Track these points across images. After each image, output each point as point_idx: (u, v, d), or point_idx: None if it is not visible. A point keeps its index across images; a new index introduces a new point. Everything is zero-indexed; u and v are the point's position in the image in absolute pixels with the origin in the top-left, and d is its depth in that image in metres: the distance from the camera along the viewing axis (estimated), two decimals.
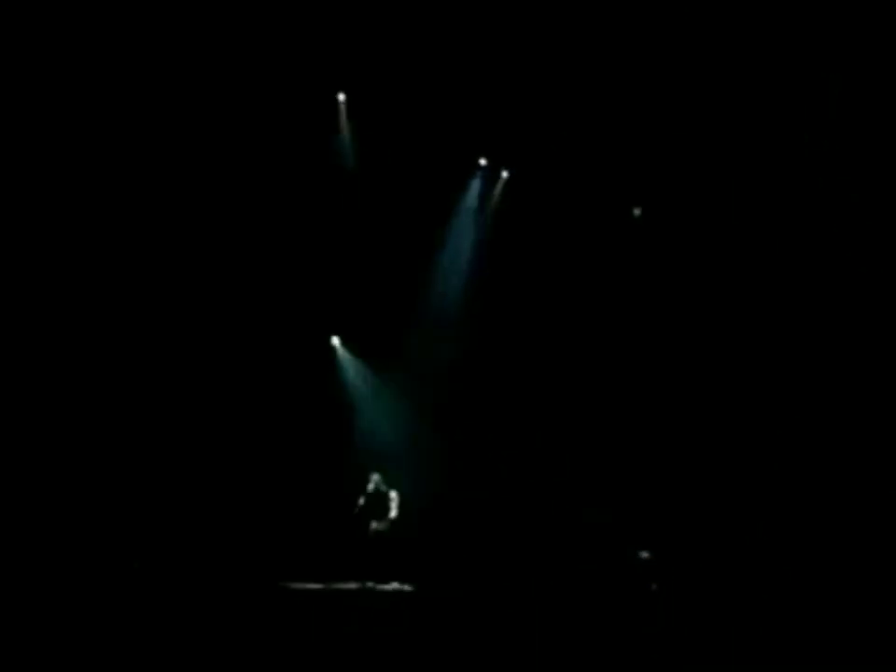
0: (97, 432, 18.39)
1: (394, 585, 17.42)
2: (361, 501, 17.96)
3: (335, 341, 20.19)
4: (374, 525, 18.00)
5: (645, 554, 16.33)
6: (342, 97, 19.67)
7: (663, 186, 19.57)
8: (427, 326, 19.91)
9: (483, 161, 20.37)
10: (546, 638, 14.09)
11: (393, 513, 17.98)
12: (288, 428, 19.29)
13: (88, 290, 18.52)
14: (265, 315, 19.39)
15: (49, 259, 18.25)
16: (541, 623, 14.73)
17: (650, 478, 19.21)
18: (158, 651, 13.09)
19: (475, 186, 20.48)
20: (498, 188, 20.54)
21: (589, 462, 19.64)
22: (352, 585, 17.32)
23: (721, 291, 19.43)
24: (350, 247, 19.76)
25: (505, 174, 20.54)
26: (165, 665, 12.85)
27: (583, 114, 19.29)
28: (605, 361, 20.06)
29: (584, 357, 20.07)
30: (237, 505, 18.76)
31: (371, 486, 18.04)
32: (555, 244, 20.00)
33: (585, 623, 14.56)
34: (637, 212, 20.05)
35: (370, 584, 17.36)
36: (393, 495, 18.10)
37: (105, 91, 18.16)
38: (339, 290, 19.76)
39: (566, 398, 20.00)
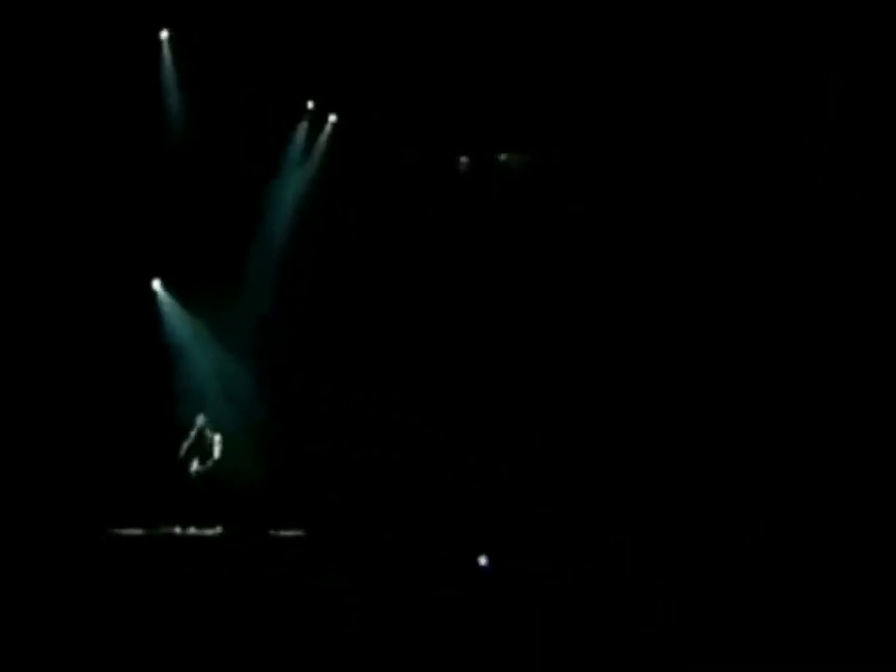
0: None
1: (217, 529, 17.27)
2: (185, 445, 17.92)
3: (156, 284, 19.77)
4: (197, 467, 17.97)
5: None
6: (164, 34, 19.16)
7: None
8: (252, 270, 19.74)
9: (310, 105, 20.07)
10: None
11: (216, 456, 17.98)
12: (110, 373, 18.88)
13: None
14: (85, 259, 18.92)
15: None
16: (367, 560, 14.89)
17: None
18: None
19: (301, 130, 20.16)
20: (326, 132, 20.29)
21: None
22: (175, 530, 17.18)
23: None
24: (174, 190, 19.32)
25: (333, 118, 20.26)
26: None
27: (417, 50, 19.04)
28: (429, 309, 20.07)
29: (413, 303, 20.04)
30: (59, 452, 18.28)
31: (195, 430, 18.00)
32: (384, 190, 19.88)
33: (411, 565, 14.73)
34: (463, 161, 20.09)
35: (192, 529, 17.24)
36: (217, 438, 18.09)
37: None
38: (163, 235, 19.31)
39: (385, 353, 19.95)
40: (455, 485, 18.59)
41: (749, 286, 18.62)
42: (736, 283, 18.69)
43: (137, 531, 16.74)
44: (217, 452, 17.99)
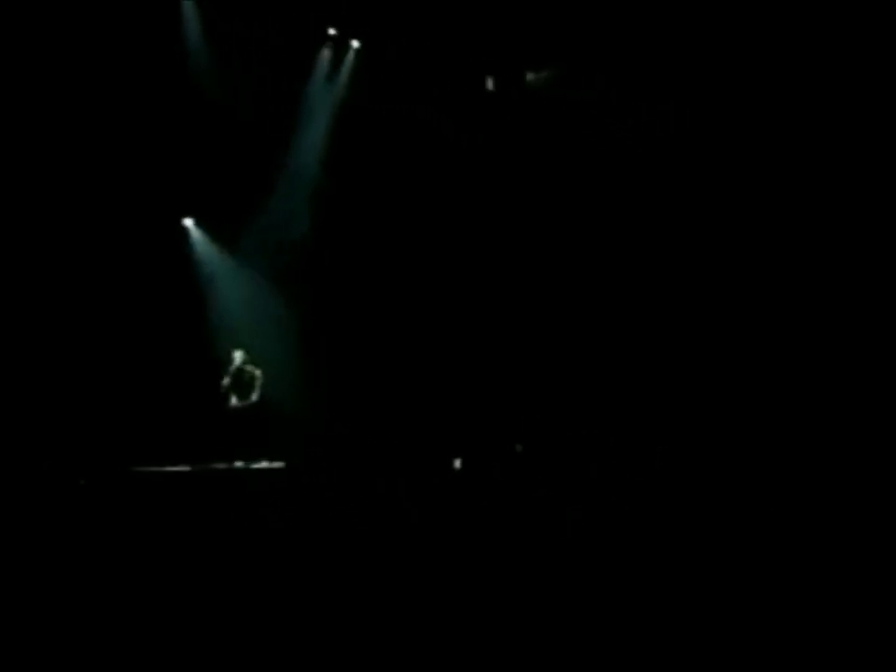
0: None
1: (263, 464, 17.39)
2: (226, 380, 17.94)
3: (188, 222, 19.77)
4: (238, 402, 18.00)
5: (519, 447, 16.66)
6: None
7: None
8: (280, 203, 19.64)
9: (332, 31, 19.90)
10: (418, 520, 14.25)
11: (256, 391, 18.00)
12: (145, 311, 18.80)
13: None
14: (114, 200, 18.74)
15: None
16: (413, 504, 14.92)
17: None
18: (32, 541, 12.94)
19: (325, 57, 20.00)
20: (349, 59, 20.11)
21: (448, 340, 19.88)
22: (221, 465, 17.22)
23: None
24: (200, 124, 19.02)
25: (356, 44, 20.09)
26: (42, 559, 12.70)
27: None
28: (455, 239, 20.09)
29: (436, 236, 20.07)
30: (97, 390, 18.24)
31: (234, 364, 17.99)
32: (410, 118, 19.77)
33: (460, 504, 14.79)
34: (490, 84, 19.88)
35: (239, 464, 17.33)
36: (257, 373, 18.08)
37: None
38: (190, 171, 19.06)
39: (416, 275, 20.09)
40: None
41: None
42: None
43: (184, 468, 16.86)
44: (257, 387, 17.99)
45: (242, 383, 17.99)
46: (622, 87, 19.04)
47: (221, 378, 17.96)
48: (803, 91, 17.80)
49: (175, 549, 13.16)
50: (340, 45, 20.05)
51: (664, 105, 18.74)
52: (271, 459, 17.50)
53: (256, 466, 17.30)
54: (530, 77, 19.45)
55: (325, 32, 19.90)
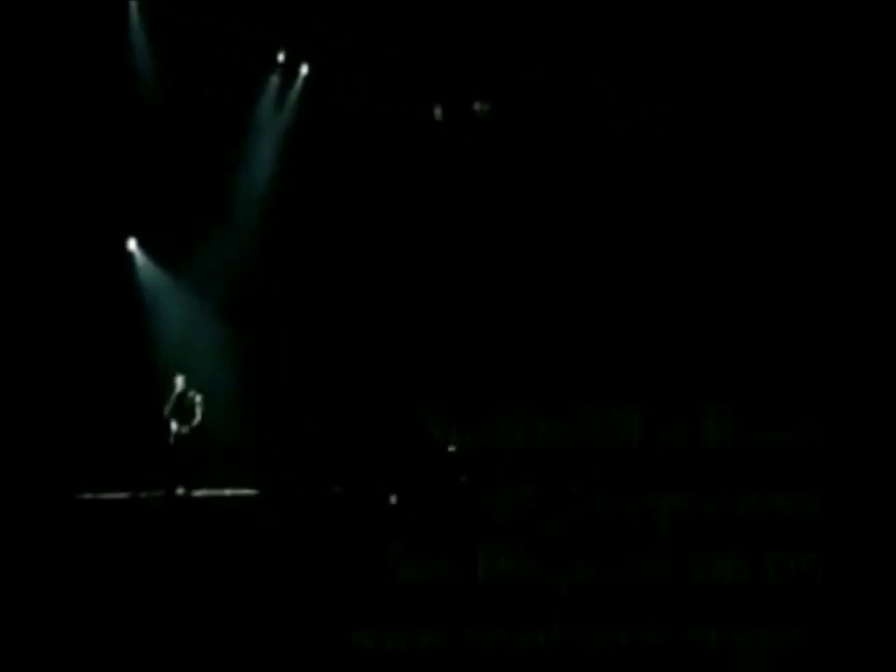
0: None
1: (203, 491, 17.20)
2: (168, 405, 17.72)
3: (132, 244, 19.56)
4: (179, 428, 17.76)
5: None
6: None
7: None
8: (226, 227, 19.50)
9: (281, 57, 19.89)
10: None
11: (198, 416, 17.77)
12: (85, 334, 18.74)
13: None
14: (57, 220, 18.66)
15: None
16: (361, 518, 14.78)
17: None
18: None
19: (273, 82, 19.95)
20: (298, 84, 20.05)
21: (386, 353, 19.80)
22: (159, 493, 16.98)
23: None
24: (147, 150, 19.13)
25: (305, 69, 20.04)
26: None
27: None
28: (406, 262, 19.97)
29: (382, 256, 19.96)
30: (36, 415, 18.05)
31: (176, 390, 17.77)
32: (359, 142, 19.68)
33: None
34: (437, 112, 19.82)
35: (179, 491, 17.12)
36: (198, 398, 17.87)
37: None
38: (135, 194, 19.08)
39: (360, 301, 19.94)
40: None
41: None
42: None
43: (122, 495, 16.62)
44: (198, 413, 17.76)
45: (183, 408, 17.77)
46: (565, 115, 19.10)
47: (163, 403, 17.76)
48: (802, 90, 18.02)
49: (111, 575, 13.01)
50: (289, 70, 19.97)
51: (632, 121, 18.83)
52: (211, 486, 17.30)
53: (197, 493, 17.10)
54: (478, 106, 19.43)
55: (274, 58, 19.83)
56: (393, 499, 15.89)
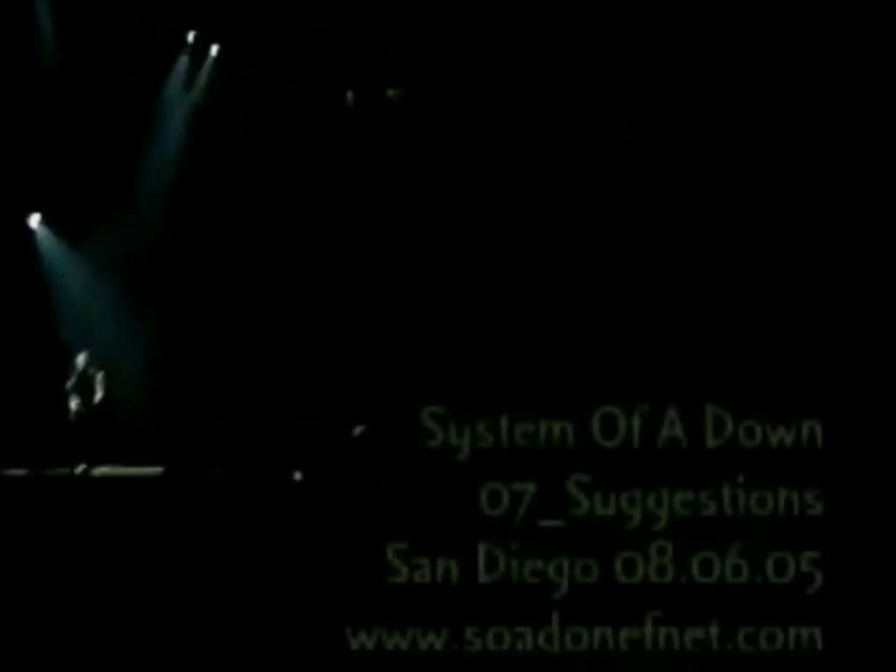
0: None
1: (105, 469, 17.11)
2: (70, 382, 17.66)
3: (34, 220, 19.33)
4: (81, 404, 17.72)
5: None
6: None
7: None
8: (137, 203, 19.35)
9: (190, 38, 19.70)
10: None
11: (99, 393, 17.75)
12: None
13: None
14: None
15: None
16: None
17: None
18: None
19: (182, 62, 19.76)
20: (207, 65, 19.90)
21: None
22: (61, 470, 16.84)
23: None
24: (54, 125, 18.93)
25: (215, 50, 19.85)
26: None
27: None
28: (312, 250, 20.00)
29: (293, 246, 19.93)
30: None
31: (78, 365, 17.72)
32: (268, 125, 19.60)
33: None
34: (350, 98, 19.87)
35: (80, 468, 17.02)
36: (100, 376, 17.84)
37: None
38: (40, 169, 18.88)
39: (271, 283, 19.84)
40: None
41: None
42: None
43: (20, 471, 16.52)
44: (99, 390, 17.72)
45: (85, 384, 17.72)
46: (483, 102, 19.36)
47: (64, 380, 17.69)
48: (801, 90, 18.21)
49: (13, 554, 12.94)
50: (198, 51, 19.81)
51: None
52: (114, 463, 17.28)
53: (98, 471, 17.08)
54: (391, 92, 19.56)
55: (183, 38, 19.66)
56: (297, 476, 15.71)
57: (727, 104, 18.62)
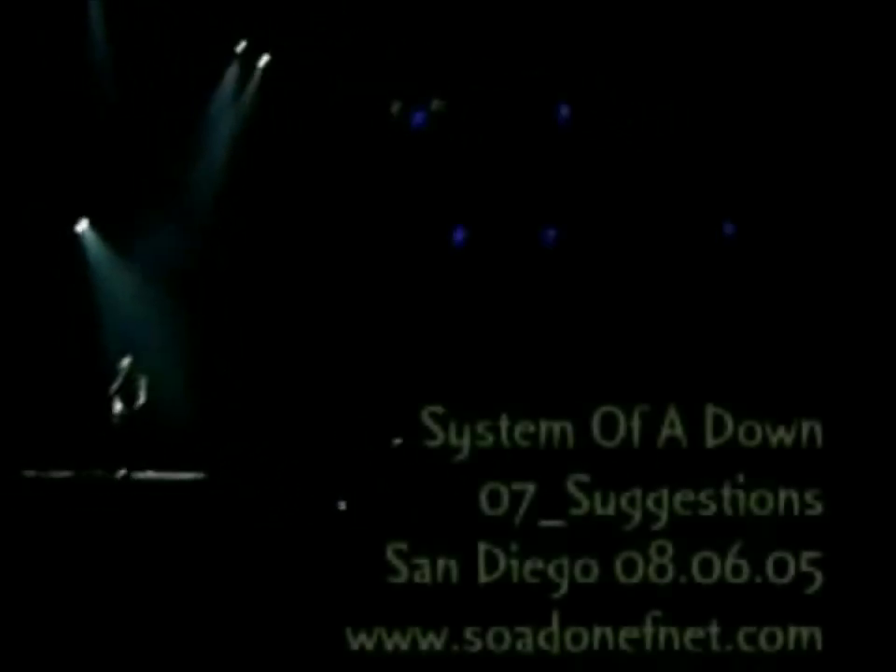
0: None
1: (149, 473, 17.31)
2: (114, 387, 17.79)
3: (83, 224, 19.51)
4: (123, 410, 17.84)
5: None
6: None
7: None
8: (179, 215, 19.44)
9: (240, 48, 19.89)
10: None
11: (142, 398, 17.87)
12: (34, 313, 18.76)
13: None
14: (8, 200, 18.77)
15: None
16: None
17: None
18: None
19: (232, 73, 19.97)
20: (257, 74, 20.09)
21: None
22: (104, 473, 17.10)
23: None
24: (104, 134, 19.20)
25: (264, 60, 20.05)
26: None
27: None
28: (358, 252, 20.05)
29: (341, 245, 19.94)
30: None
31: (122, 371, 17.82)
32: (317, 134, 19.70)
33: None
34: (395, 107, 19.93)
35: (122, 472, 17.20)
36: (143, 381, 17.97)
37: None
38: (89, 176, 19.15)
39: (314, 289, 19.93)
40: None
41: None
42: None
43: (65, 473, 16.71)
44: (143, 395, 17.87)
45: (128, 389, 17.88)
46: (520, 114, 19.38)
47: (108, 384, 17.84)
48: (801, 91, 18.24)
49: (56, 554, 13.05)
50: (247, 61, 20.01)
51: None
52: (155, 468, 17.44)
53: (139, 475, 17.23)
54: (435, 104, 19.61)
55: (233, 48, 19.87)
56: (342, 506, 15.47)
57: (727, 104, 18.58)
